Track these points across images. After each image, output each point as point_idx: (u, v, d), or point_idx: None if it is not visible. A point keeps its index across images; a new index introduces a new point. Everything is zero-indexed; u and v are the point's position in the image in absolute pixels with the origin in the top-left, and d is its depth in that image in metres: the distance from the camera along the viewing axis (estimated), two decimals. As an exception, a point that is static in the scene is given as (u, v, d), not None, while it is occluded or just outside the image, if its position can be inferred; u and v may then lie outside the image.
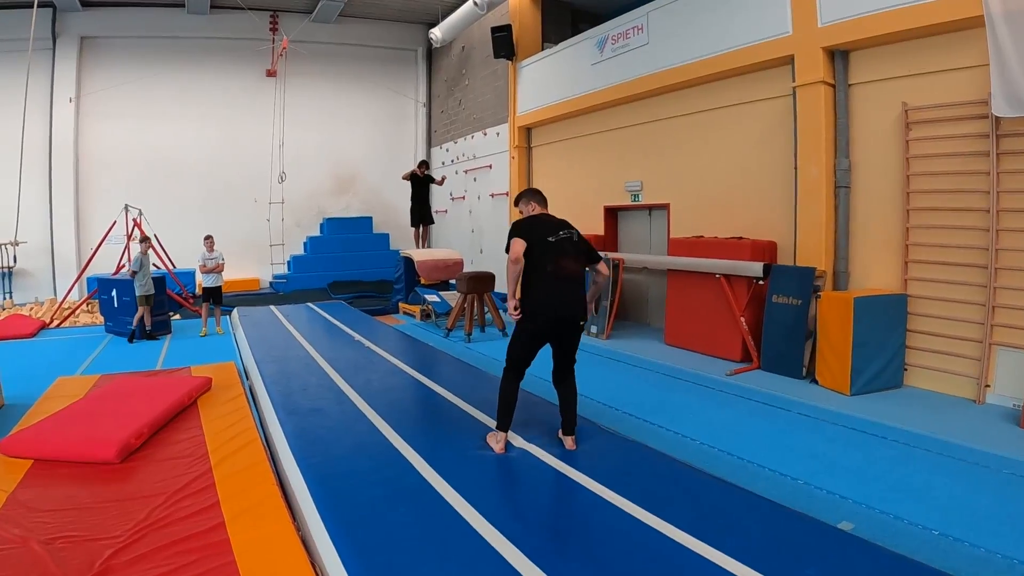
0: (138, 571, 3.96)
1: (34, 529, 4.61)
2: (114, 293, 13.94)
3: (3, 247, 19.42)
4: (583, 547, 4.03)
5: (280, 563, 4.00)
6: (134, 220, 16.16)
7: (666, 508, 4.45)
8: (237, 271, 19.48)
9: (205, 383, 8.13)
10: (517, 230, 5.73)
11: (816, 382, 8.61)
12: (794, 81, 9.64)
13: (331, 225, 21.41)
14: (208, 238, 13.43)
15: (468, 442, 5.88)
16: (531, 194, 6.18)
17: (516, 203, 6.23)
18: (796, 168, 9.72)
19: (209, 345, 12.46)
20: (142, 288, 12.90)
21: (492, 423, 6.05)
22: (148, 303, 13.03)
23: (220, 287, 13.53)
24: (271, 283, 20.84)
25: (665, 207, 12.34)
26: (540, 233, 5.73)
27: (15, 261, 19.65)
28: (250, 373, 9.29)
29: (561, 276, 5.65)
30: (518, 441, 5.84)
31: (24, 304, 19.47)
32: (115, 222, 16.44)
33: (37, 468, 5.82)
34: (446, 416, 6.78)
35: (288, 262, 21.18)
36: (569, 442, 5.73)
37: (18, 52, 18.66)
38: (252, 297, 17.94)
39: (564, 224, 5.93)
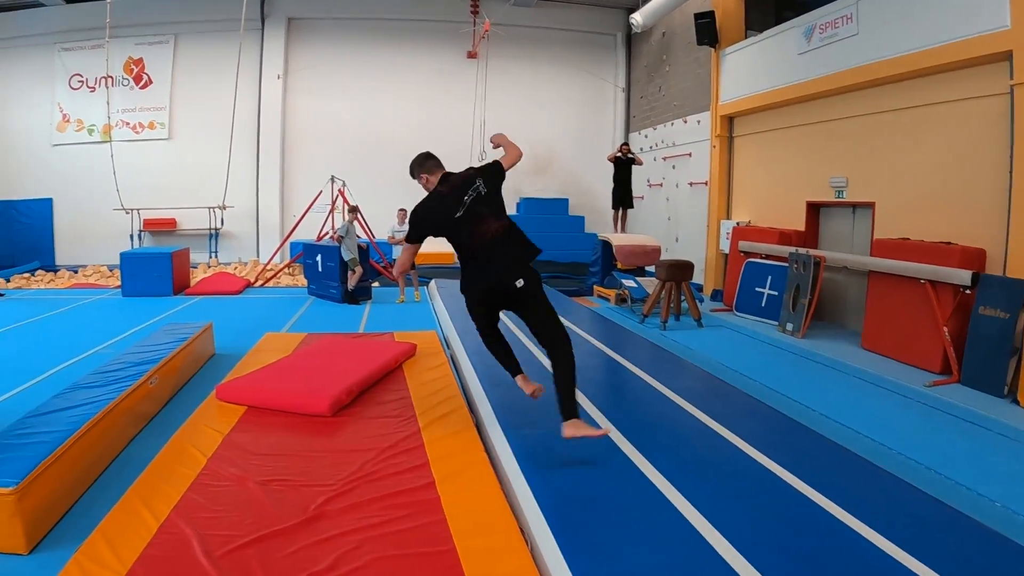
0: (352, 518, 4.13)
1: (249, 470, 4.89)
2: (319, 258, 14.56)
3: (211, 210, 20.80)
4: (785, 541, 3.81)
5: (490, 527, 4.03)
6: (339, 190, 16.88)
7: (864, 509, 4.16)
8: (433, 244, 19.78)
9: (410, 349, 8.32)
10: (414, 225, 5.38)
11: (1017, 402, 7.89)
12: (1012, 79, 8.79)
13: (528, 205, 21.58)
14: (401, 211, 13.87)
15: (670, 426, 5.81)
16: (422, 162, 5.53)
17: (412, 175, 5.58)
18: (1011, 173, 9.02)
19: (407, 313, 12.87)
20: (348, 253, 13.50)
21: (695, 411, 6.00)
22: (354, 267, 13.59)
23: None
24: (460, 260, 21.14)
25: (870, 206, 11.76)
26: (442, 215, 5.23)
27: (222, 223, 21.17)
28: (451, 342, 9.46)
29: (481, 245, 5.18)
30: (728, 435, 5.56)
31: (229, 264, 20.80)
32: (320, 192, 17.21)
33: (250, 415, 6.15)
34: (646, 399, 6.67)
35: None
36: (567, 429, 4.82)
37: (230, 32, 19.79)
38: (447, 270, 18.37)
39: (469, 180, 5.34)
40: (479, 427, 5.92)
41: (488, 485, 4.62)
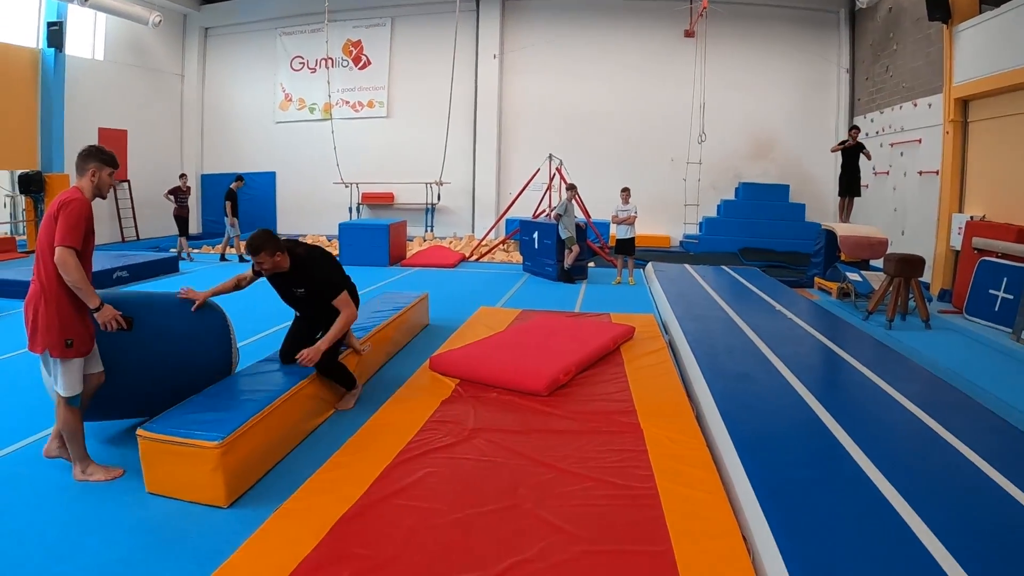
0: (564, 504, 3.98)
1: (460, 444, 4.90)
2: (535, 235, 14.61)
3: (428, 186, 21.37)
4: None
5: (711, 531, 3.71)
6: (557, 168, 16.80)
7: None
8: (648, 227, 19.76)
9: (628, 331, 8.11)
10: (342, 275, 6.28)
11: None
12: None
13: (747, 190, 20.86)
14: (624, 190, 13.63)
15: (902, 433, 5.13)
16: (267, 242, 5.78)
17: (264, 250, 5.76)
18: None
19: (622, 294, 12.67)
20: (566, 231, 13.38)
21: (927, 419, 5.29)
22: (571, 245, 13.48)
23: (632, 239, 13.65)
24: (681, 242, 20.88)
25: None
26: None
27: (439, 199, 21.69)
28: (669, 327, 9.18)
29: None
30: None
31: (444, 238, 21.23)
32: (538, 170, 17.21)
33: (463, 388, 6.13)
34: (873, 400, 5.89)
35: (700, 223, 20.99)
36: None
37: (446, 14, 20.32)
38: (661, 254, 18.06)
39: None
40: (699, 418, 5.64)
41: (710, 486, 4.28)
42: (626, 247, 13.69)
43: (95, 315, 4.64)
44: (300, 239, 20.13)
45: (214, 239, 20.61)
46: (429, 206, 22.12)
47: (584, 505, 3.97)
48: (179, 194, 17.29)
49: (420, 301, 9.54)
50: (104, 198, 5.09)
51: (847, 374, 6.86)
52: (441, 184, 21.29)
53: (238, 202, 17.07)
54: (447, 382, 6.32)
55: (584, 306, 11.41)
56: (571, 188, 13.86)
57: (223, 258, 17.43)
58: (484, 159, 22.11)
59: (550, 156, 17.12)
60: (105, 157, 4.79)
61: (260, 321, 9.47)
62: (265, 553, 3.52)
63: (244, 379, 5.70)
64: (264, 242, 5.64)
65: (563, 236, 13.51)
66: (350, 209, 22.59)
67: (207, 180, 24.33)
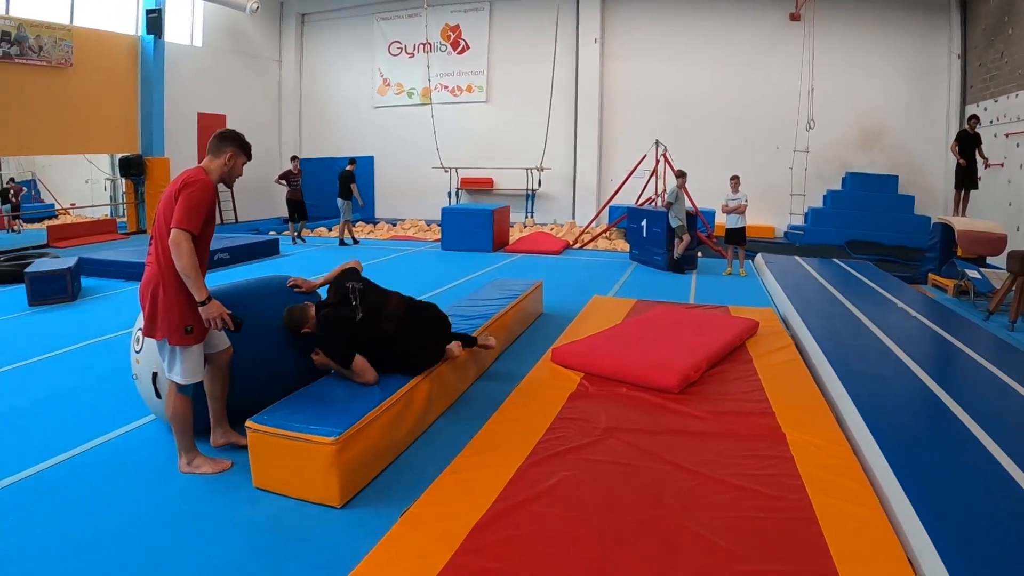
0: (712, 516, 3.71)
1: (592, 444, 4.67)
2: (644, 223, 14.44)
3: (529, 171, 21.30)
4: None
5: (871, 545, 3.46)
6: (663, 154, 16.48)
7: None
8: (752, 217, 19.03)
9: (753, 326, 7.78)
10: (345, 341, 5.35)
11: None
12: None
13: (854, 180, 20.24)
14: (734, 178, 13.33)
15: None
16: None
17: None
18: None
19: (735, 286, 12.38)
20: (676, 220, 13.10)
21: None
22: (682, 234, 13.23)
23: (743, 228, 13.35)
24: (785, 233, 20.46)
25: None
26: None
27: (539, 184, 21.62)
28: (791, 323, 8.84)
29: None
30: None
31: (545, 224, 21.23)
32: (644, 156, 16.91)
33: (588, 382, 5.94)
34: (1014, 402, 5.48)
35: (806, 214, 20.51)
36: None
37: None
38: (765, 244, 17.67)
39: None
40: (840, 423, 5.30)
41: (866, 500, 3.94)
42: (737, 237, 13.38)
43: (200, 309, 4.40)
44: (399, 224, 21.04)
45: (314, 223, 20.84)
46: (529, 192, 22.10)
47: (735, 517, 3.69)
48: (291, 177, 17.55)
49: (535, 289, 9.38)
50: (230, 187, 5.06)
51: (986, 379, 6.35)
52: (542, 170, 21.28)
53: (352, 184, 17.21)
54: (571, 376, 6.12)
55: (698, 297, 11.19)
56: (681, 176, 13.56)
57: (342, 242, 17.67)
58: (585, 145, 21.96)
59: (656, 142, 16.79)
60: (244, 145, 4.71)
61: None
62: (394, 564, 3.35)
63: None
64: (290, 324, 5.46)
65: (673, 225, 13.27)
66: (449, 194, 22.70)
67: (305, 165, 24.24)
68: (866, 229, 19.00)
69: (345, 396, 4.94)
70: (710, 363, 6.39)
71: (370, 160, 23.81)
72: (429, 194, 22.87)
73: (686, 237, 13.26)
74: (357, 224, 21.13)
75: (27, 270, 10.49)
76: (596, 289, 11.30)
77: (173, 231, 4.23)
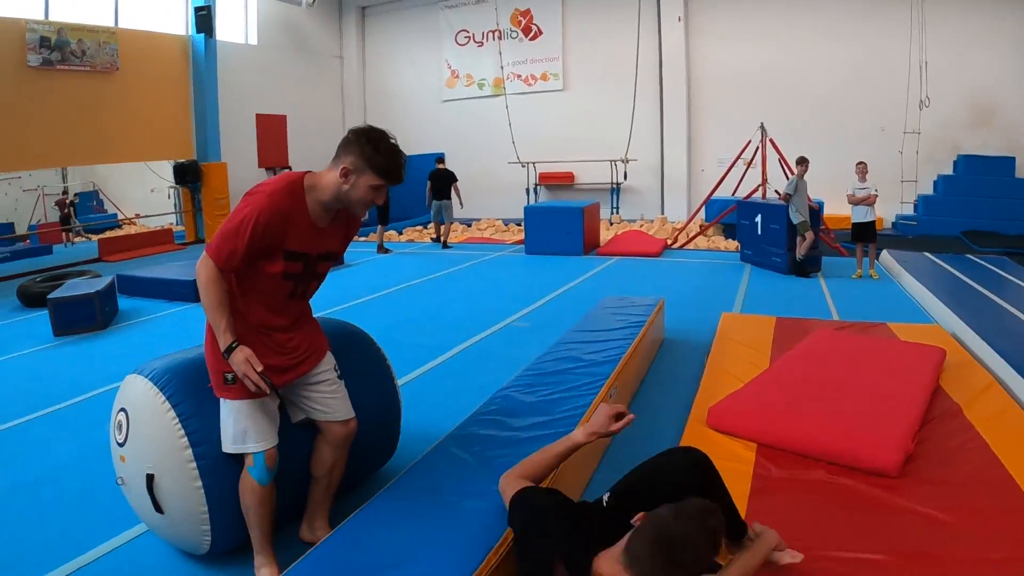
0: None
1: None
2: (758, 219, 12.50)
3: (613, 163, 20.05)
4: None
5: None
6: (769, 140, 14.58)
7: None
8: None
9: (939, 357, 5.71)
10: None
11: None
12: None
13: (967, 163, 17.94)
14: (860, 164, 11.28)
15: None
16: None
17: None
18: None
19: (871, 292, 10.29)
20: (797, 215, 11.23)
21: None
22: (804, 231, 11.31)
23: (872, 223, 11.24)
24: (894, 223, 18.29)
25: None
26: None
27: (625, 177, 20.23)
28: (971, 347, 6.66)
29: None
30: None
31: (633, 220, 19.81)
32: (749, 142, 15.03)
33: (769, 460, 4.10)
34: None
35: (916, 202, 18.30)
36: None
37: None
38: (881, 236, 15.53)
39: None
40: None
41: None
42: (866, 233, 11.33)
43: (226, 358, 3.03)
44: (474, 224, 19.65)
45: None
46: (614, 186, 20.53)
47: None
48: None
49: (658, 311, 7.31)
50: (360, 215, 3.39)
51: None
52: (627, 162, 19.71)
53: (436, 185, 16.41)
54: (740, 450, 4.23)
55: (840, 310, 9.08)
56: (802, 162, 11.61)
57: (445, 245, 16.70)
58: (672, 133, 20.20)
59: (761, 126, 14.88)
60: (373, 159, 2.99)
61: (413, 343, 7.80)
62: None
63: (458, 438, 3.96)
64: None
65: (795, 221, 11.36)
66: (527, 191, 21.46)
67: (372, 165, 23.47)
68: (982, 218, 16.98)
69: (441, 525, 3.09)
70: (920, 422, 4.48)
71: (440, 157, 22.44)
72: (505, 192, 21.63)
73: (809, 235, 11.32)
74: (429, 226, 19.94)
75: (51, 296, 9.07)
76: (715, 301, 9.42)
77: (202, 256, 3.01)
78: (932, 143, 18.18)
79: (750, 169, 15.16)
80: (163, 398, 3.24)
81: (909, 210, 18.31)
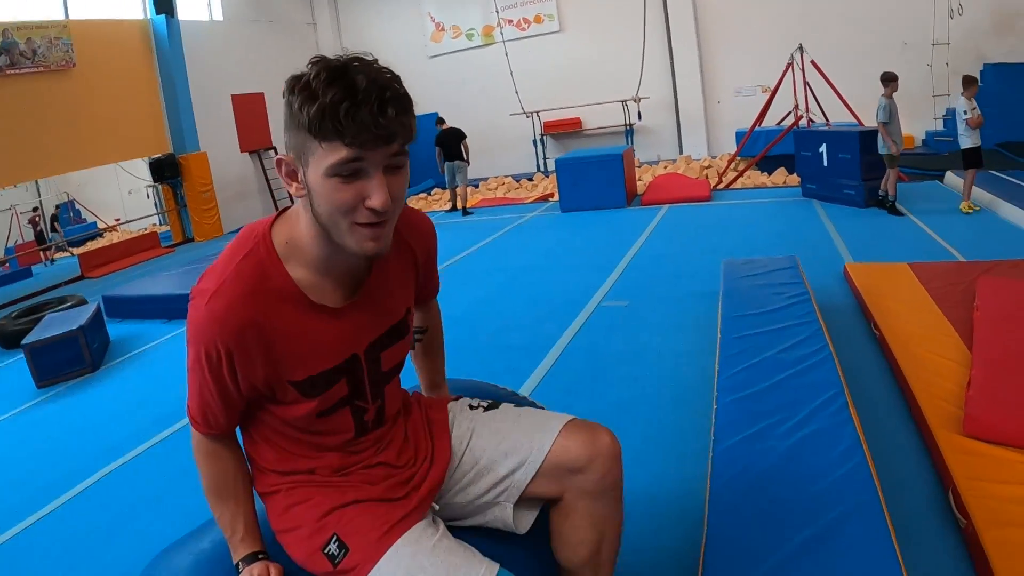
0: None
1: None
2: (822, 149, 11.25)
3: (624, 104, 18.95)
4: None
5: None
6: (811, 62, 13.16)
7: None
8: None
9: None
10: None
11: None
12: None
13: (995, 73, 16.44)
14: (968, 79, 9.87)
15: None
16: None
17: None
18: None
19: (986, 228, 8.79)
20: (893, 144, 9.81)
21: None
22: (893, 164, 9.93)
23: (977, 148, 9.80)
24: (924, 141, 17.08)
25: None
26: None
27: (639, 117, 19.04)
28: None
29: None
30: None
31: (653, 163, 18.79)
32: (789, 64, 13.64)
33: None
34: None
35: (945, 118, 16.89)
36: None
37: None
38: (908, 156, 13.99)
39: None
40: None
41: None
42: (976, 159, 9.82)
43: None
44: (482, 184, 18.42)
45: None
46: (628, 127, 19.26)
47: None
48: None
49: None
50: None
51: None
52: (639, 100, 18.50)
53: (447, 147, 15.42)
54: (998, 457, 3.13)
55: (964, 251, 7.59)
56: (890, 81, 10.03)
57: (465, 212, 15.52)
58: (683, 64, 18.82)
59: (800, 47, 13.47)
60: (313, 109, 1.42)
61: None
62: None
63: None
64: None
65: (883, 152, 9.94)
66: (534, 142, 20.27)
67: (361, 131, 22.29)
68: (1015, 128, 15.56)
69: None
70: None
71: (432, 118, 20.97)
72: (509, 146, 20.55)
73: (895, 168, 9.94)
74: (433, 192, 19.29)
75: (25, 341, 7.55)
76: (814, 248, 8.21)
77: None
78: (955, 53, 16.88)
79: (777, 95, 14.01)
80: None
81: (939, 126, 17.06)
